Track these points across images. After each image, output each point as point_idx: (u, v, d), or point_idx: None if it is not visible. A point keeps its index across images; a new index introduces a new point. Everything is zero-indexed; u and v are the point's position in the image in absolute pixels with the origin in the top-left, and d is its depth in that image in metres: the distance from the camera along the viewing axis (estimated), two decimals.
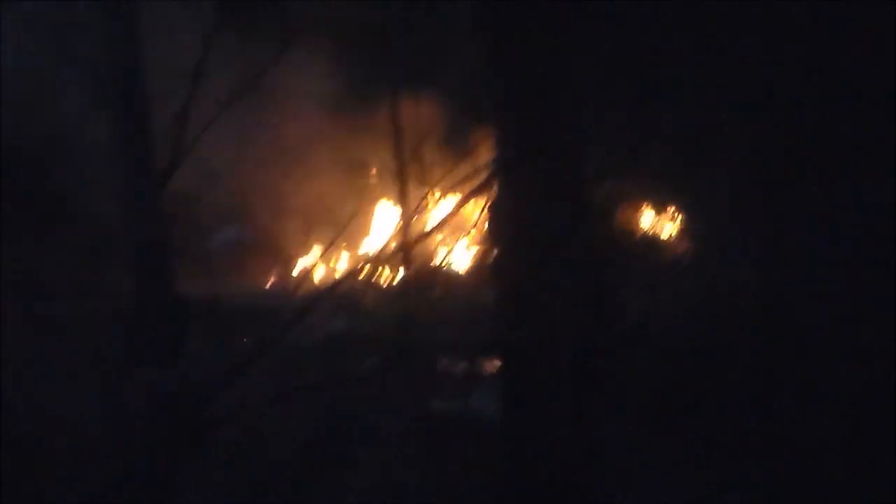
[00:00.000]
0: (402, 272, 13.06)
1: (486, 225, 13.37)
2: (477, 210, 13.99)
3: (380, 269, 14.45)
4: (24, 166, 13.66)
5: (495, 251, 11.30)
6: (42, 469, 10.71)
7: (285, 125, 14.62)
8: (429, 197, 13.43)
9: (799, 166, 10.98)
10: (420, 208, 13.38)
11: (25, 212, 13.21)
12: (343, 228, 14.32)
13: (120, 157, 10.31)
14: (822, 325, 10.87)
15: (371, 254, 15.01)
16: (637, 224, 13.18)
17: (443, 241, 14.07)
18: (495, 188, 10.65)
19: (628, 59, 11.21)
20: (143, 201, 10.48)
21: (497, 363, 12.38)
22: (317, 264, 15.25)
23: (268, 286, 15.58)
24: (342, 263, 15.20)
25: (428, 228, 13.48)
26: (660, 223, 13.30)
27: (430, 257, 13.88)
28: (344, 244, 14.94)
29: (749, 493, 10.87)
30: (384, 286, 14.80)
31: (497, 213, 10.69)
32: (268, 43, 12.27)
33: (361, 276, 14.16)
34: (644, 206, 13.04)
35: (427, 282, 14.31)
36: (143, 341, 10.92)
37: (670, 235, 13.20)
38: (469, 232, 14.18)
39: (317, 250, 15.46)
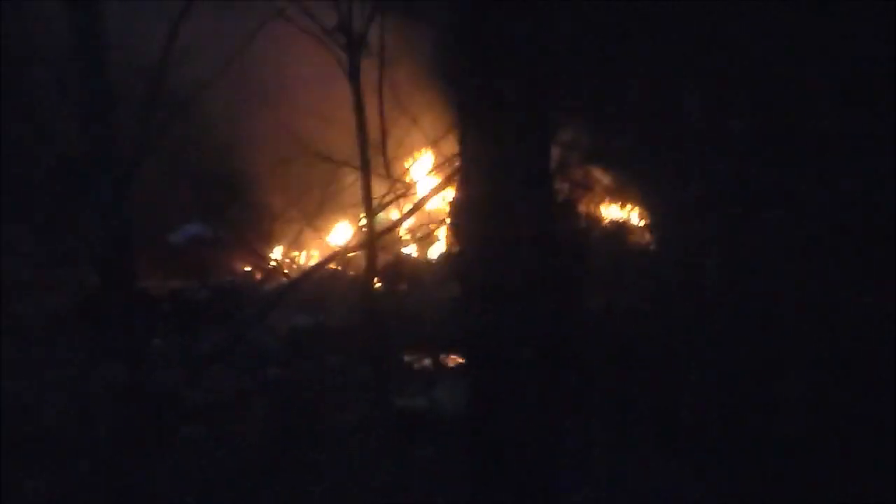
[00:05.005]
0: (367, 266, 12.98)
1: (452, 217, 13.37)
2: (443, 203, 14.01)
3: (345, 263, 14.39)
4: None
5: (461, 244, 11.28)
6: (11, 462, 10.62)
7: (250, 118, 14.56)
8: (395, 190, 13.39)
9: (763, 156, 11.02)
10: (386, 201, 13.34)
11: None
12: (308, 222, 14.26)
13: (84, 150, 10.15)
14: (785, 314, 10.92)
15: (336, 248, 14.94)
16: (601, 215, 13.22)
17: (408, 235, 14.04)
18: (461, 180, 10.59)
19: (599, 48, 11.21)
20: (108, 195, 10.32)
21: (461, 358, 12.36)
22: (281, 259, 15.19)
23: (232, 282, 15.51)
24: (306, 258, 15.13)
25: (393, 222, 13.48)
26: (624, 214, 13.35)
27: (396, 251, 13.84)
28: (309, 238, 14.88)
29: (709, 484, 10.91)
30: (349, 281, 14.75)
31: (463, 205, 10.62)
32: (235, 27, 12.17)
33: (326, 271, 14.10)
34: (608, 197, 13.07)
35: (392, 276, 14.31)
36: (107, 337, 10.77)
37: (634, 226, 13.25)
38: (435, 225, 14.15)
39: (281, 245, 15.37)
